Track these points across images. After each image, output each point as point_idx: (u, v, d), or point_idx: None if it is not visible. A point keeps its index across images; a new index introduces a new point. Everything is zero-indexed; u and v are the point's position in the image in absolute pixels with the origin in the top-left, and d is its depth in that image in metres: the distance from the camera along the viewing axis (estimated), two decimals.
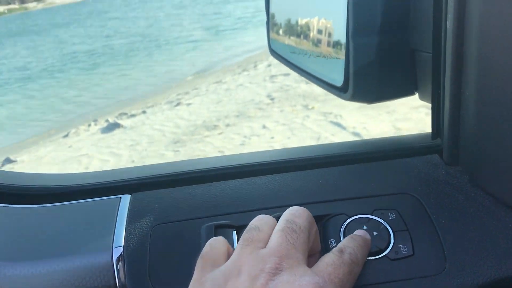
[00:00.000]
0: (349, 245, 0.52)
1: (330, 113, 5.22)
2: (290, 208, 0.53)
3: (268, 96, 6.72)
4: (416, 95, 0.66)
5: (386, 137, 0.82)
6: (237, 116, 6.04)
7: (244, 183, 0.67)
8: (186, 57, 14.19)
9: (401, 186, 0.63)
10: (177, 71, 12.35)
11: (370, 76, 0.61)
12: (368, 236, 0.55)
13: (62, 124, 8.75)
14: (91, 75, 13.84)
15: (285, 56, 0.85)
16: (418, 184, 0.62)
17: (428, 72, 0.61)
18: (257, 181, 0.67)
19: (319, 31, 0.68)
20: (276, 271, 0.45)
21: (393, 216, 0.58)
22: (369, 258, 0.54)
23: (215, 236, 0.56)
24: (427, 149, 0.69)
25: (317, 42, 0.70)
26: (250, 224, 0.52)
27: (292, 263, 0.46)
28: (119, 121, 7.16)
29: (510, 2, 0.45)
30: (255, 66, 9.52)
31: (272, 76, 8.03)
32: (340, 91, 0.63)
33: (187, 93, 8.48)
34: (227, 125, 5.74)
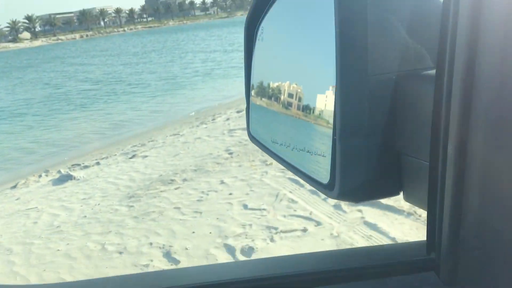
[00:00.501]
0: None
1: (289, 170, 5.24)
2: None
3: (227, 150, 6.70)
4: (401, 195, 0.65)
5: (378, 246, 0.80)
6: (195, 170, 5.97)
7: None
8: (143, 107, 14.14)
9: None
10: (134, 120, 12.24)
11: (357, 176, 0.60)
12: None
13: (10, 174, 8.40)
14: (45, 121, 13.51)
15: (267, 145, 0.83)
16: None
17: (415, 176, 0.60)
18: None
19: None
20: None
21: None
22: None
23: None
24: (423, 264, 0.66)
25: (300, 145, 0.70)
26: None
27: None
28: (72, 173, 6.94)
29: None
30: (214, 119, 9.55)
31: (230, 130, 8.05)
32: (326, 188, 0.62)
33: (143, 144, 8.36)
34: (184, 180, 5.65)
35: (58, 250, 4.17)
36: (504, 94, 0.46)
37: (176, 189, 5.35)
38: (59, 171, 7.18)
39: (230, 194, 4.92)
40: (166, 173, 6.05)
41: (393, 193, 0.64)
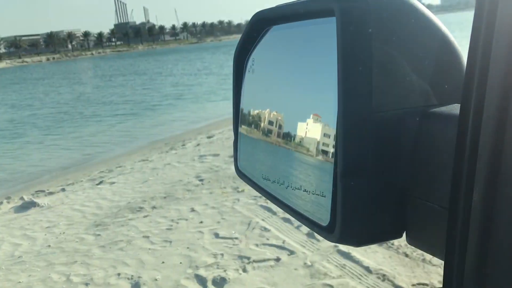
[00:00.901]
0: None
1: (261, 197, 5.18)
2: None
3: (197, 176, 6.61)
4: (404, 238, 0.62)
5: None
6: (164, 197, 5.85)
7: None
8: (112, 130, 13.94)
9: None
10: (101, 145, 12.01)
11: (359, 218, 0.57)
12: None
13: None
14: (8, 144, 13.14)
15: (257, 182, 0.78)
16: None
17: (420, 218, 0.57)
18: None
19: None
20: None
21: None
22: None
23: None
24: None
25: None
26: None
27: None
28: (36, 199, 6.69)
29: None
30: (184, 145, 9.44)
31: (201, 156, 7.96)
32: (325, 231, 0.59)
33: (110, 171, 8.17)
34: (153, 207, 5.52)
35: (19, 282, 3.97)
36: None
37: (145, 217, 5.21)
38: (21, 198, 6.92)
39: (201, 222, 4.82)
40: (134, 200, 5.90)
41: (396, 235, 0.61)
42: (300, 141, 0.64)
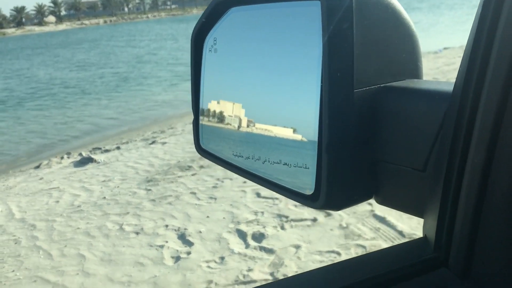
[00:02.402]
0: None
1: None
2: None
3: None
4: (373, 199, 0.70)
5: (376, 253, 0.78)
6: None
7: None
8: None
9: None
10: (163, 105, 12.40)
11: (340, 185, 0.62)
12: None
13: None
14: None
15: (226, 158, 0.78)
16: None
17: (391, 180, 0.66)
18: None
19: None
20: None
21: None
22: None
23: None
24: (432, 262, 0.67)
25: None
26: None
27: None
28: (93, 156, 7.15)
29: None
30: None
31: None
32: (309, 199, 0.64)
33: (162, 131, 8.54)
34: (201, 167, 5.81)
35: (78, 228, 4.37)
36: None
37: (193, 175, 5.52)
38: (80, 154, 7.41)
39: (244, 182, 5.06)
40: (184, 160, 6.22)
41: (367, 197, 0.68)
42: (277, 122, 0.67)
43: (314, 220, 3.99)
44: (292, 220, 4.04)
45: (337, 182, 0.62)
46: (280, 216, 4.14)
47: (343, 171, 0.62)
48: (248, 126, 0.70)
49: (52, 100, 14.80)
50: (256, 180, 0.72)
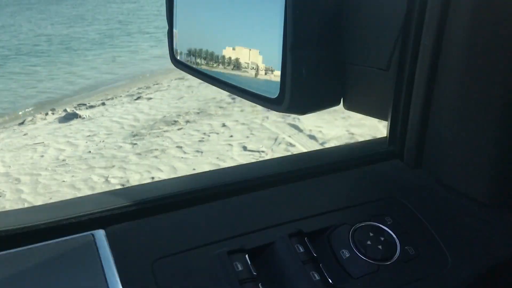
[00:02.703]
0: None
1: (289, 116, 5.34)
2: None
3: (230, 95, 6.79)
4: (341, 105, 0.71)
5: (343, 145, 0.86)
6: (198, 113, 6.09)
7: (238, 201, 0.64)
8: None
9: (381, 192, 0.66)
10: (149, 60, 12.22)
11: (305, 88, 0.64)
12: None
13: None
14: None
15: (200, 69, 0.79)
16: (395, 188, 0.66)
17: (359, 83, 0.67)
18: (245, 199, 0.65)
19: (247, 63, 0.69)
20: None
21: (390, 221, 0.60)
22: (386, 263, 0.56)
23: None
24: (386, 155, 0.72)
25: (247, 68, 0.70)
26: None
27: None
28: (78, 112, 7.07)
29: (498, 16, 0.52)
30: None
31: None
32: (274, 103, 0.65)
33: (148, 87, 8.44)
34: (187, 121, 5.78)
35: (64, 181, 4.36)
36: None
37: (179, 129, 5.49)
38: (65, 110, 7.32)
39: (231, 136, 5.06)
40: (169, 115, 6.17)
41: (335, 102, 0.69)
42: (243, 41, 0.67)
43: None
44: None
45: (302, 84, 0.62)
46: None
47: (307, 72, 0.62)
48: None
49: (36, 57, 14.50)
50: (227, 88, 0.74)
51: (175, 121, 5.82)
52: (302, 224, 0.59)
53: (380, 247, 0.57)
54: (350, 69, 0.67)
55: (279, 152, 4.45)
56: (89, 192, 4.05)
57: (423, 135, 0.64)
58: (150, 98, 7.34)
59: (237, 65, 0.69)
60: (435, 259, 0.57)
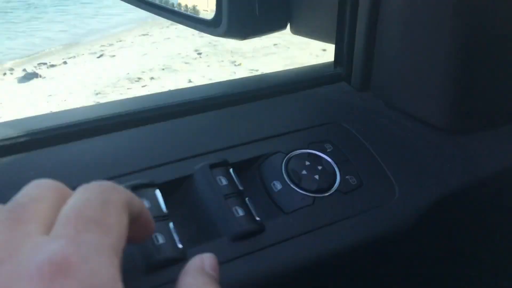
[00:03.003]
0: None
1: (257, 70, 5.24)
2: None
3: (196, 50, 6.61)
4: (288, 29, 0.67)
5: (287, 70, 0.78)
6: (163, 69, 5.92)
7: (152, 130, 0.55)
8: None
9: (323, 116, 0.59)
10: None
11: (245, 9, 0.58)
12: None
13: None
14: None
15: None
16: (339, 112, 0.60)
17: (304, 7, 0.62)
18: (163, 127, 0.56)
19: None
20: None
21: (330, 148, 0.54)
22: (322, 195, 0.49)
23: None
24: (332, 77, 0.66)
25: None
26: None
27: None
28: (38, 71, 6.79)
29: None
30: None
31: (200, 32, 7.87)
32: (211, 26, 0.60)
33: (111, 45, 8.16)
34: (152, 78, 5.62)
35: None
36: None
37: (143, 86, 5.34)
38: (24, 70, 7.02)
39: None
40: (133, 72, 5.99)
41: (280, 26, 0.65)
42: None
43: None
44: None
45: (240, 5, 0.57)
46: None
47: None
48: None
49: None
50: (164, 14, 0.70)
51: (139, 78, 5.65)
52: (228, 154, 0.51)
53: (316, 177, 0.50)
54: None
55: None
56: None
57: (370, 55, 0.59)
58: (114, 56, 7.10)
59: None
60: (380, 190, 0.51)
